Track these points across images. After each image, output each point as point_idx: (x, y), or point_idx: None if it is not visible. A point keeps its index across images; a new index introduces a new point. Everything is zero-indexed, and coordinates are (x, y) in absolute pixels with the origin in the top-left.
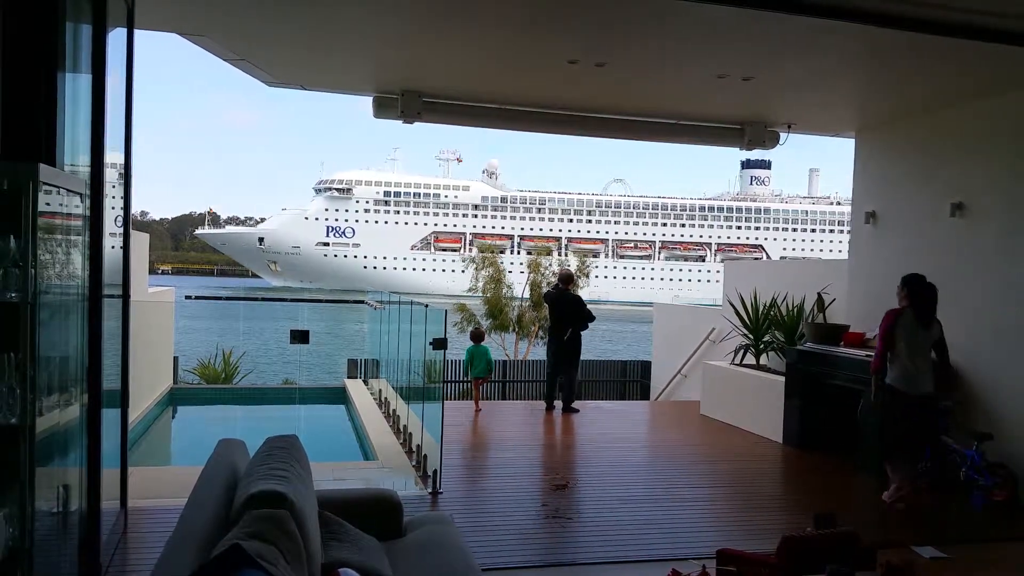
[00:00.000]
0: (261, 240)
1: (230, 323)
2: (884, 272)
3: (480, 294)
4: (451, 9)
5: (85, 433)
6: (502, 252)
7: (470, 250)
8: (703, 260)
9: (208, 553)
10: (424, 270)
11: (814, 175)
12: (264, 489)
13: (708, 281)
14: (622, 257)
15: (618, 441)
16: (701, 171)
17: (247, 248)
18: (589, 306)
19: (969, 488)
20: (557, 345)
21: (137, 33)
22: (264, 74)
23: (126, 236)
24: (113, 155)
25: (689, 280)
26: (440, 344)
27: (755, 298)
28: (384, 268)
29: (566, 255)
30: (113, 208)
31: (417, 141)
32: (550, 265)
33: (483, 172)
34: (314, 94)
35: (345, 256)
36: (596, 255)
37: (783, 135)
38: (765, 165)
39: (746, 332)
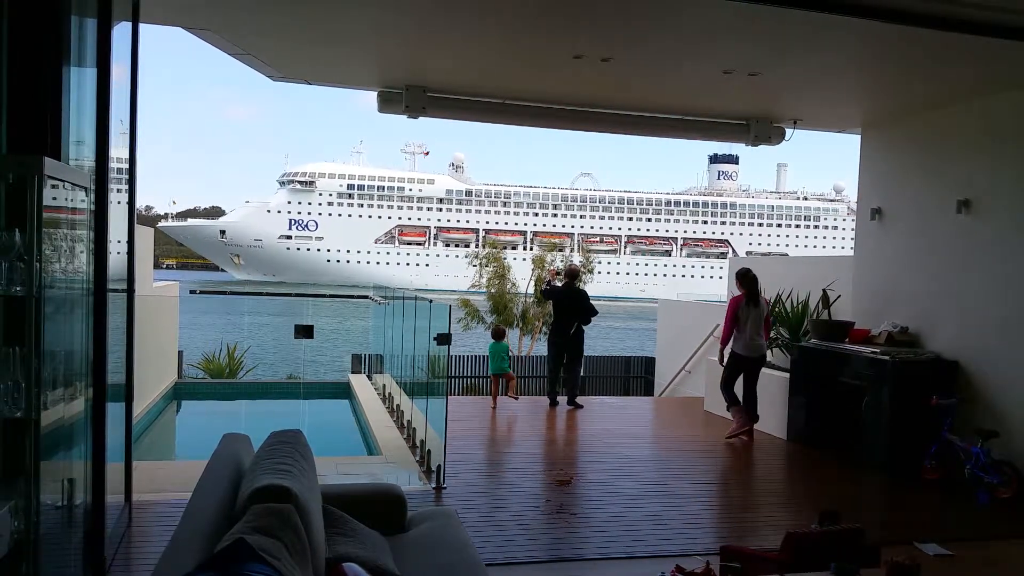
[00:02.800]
0: (223, 233)
1: (235, 318)
2: (890, 268)
3: (484, 290)
4: (456, 4)
5: (90, 427)
6: (467, 246)
7: (435, 244)
8: (669, 255)
9: (213, 547)
10: (388, 264)
11: (782, 170)
12: (268, 484)
13: (674, 276)
14: (588, 251)
15: (622, 437)
16: (671, 165)
17: (209, 241)
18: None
19: (974, 485)
20: (563, 340)
21: (140, 27)
22: (268, 68)
23: (130, 230)
24: (118, 149)
25: (655, 275)
26: (444, 339)
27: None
28: (348, 261)
29: (531, 249)
30: (118, 202)
31: (383, 134)
32: (554, 260)
33: (449, 165)
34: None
35: (308, 249)
36: (561, 249)
37: (789, 131)
38: (733, 160)
39: None
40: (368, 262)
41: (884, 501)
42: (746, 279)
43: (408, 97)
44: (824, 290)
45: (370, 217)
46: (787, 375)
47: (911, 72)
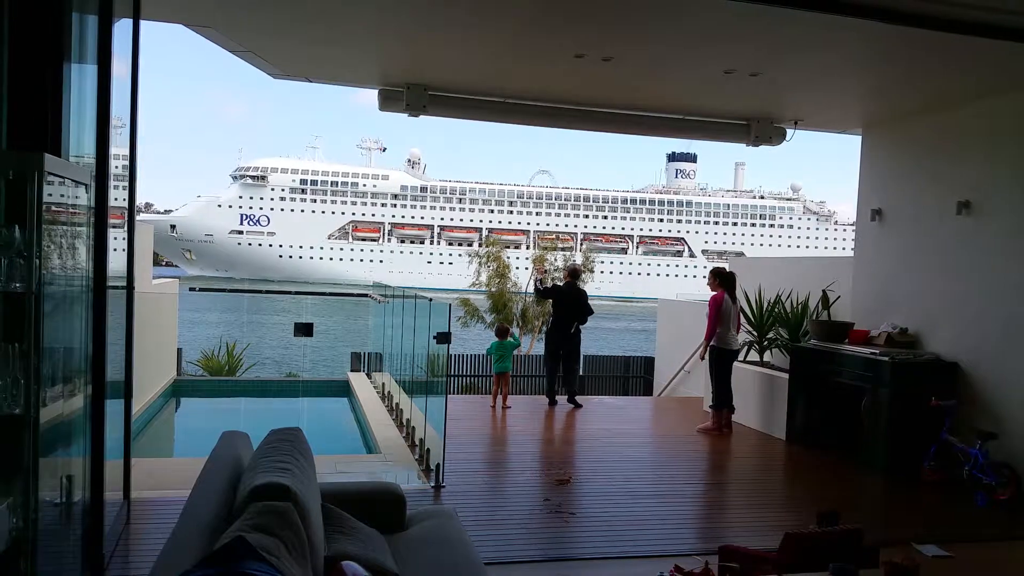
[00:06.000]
0: (173, 227)
1: (234, 315)
2: (889, 270)
3: (484, 288)
4: (457, 2)
5: (89, 424)
6: (422, 242)
7: (389, 240)
8: (625, 252)
9: (212, 545)
10: (341, 259)
11: (739, 169)
12: (268, 482)
13: (629, 274)
14: (544, 248)
15: (621, 436)
16: (631, 163)
17: (160, 236)
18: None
19: (973, 487)
20: (563, 338)
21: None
22: (269, 66)
23: (130, 227)
24: (118, 147)
25: (610, 272)
26: (444, 338)
27: (759, 295)
28: (300, 257)
29: (488, 246)
30: (118, 199)
31: (340, 130)
32: (555, 260)
33: (406, 161)
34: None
35: (260, 244)
36: (517, 246)
37: (790, 131)
38: (691, 158)
39: (750, 329)
40: (321, 258)
41: (883, 502)
42: (728, 278)
43: (409, 96)
44: (824, 291)
45: (323, 213)
46: (786, 376)
47: (912, 73)
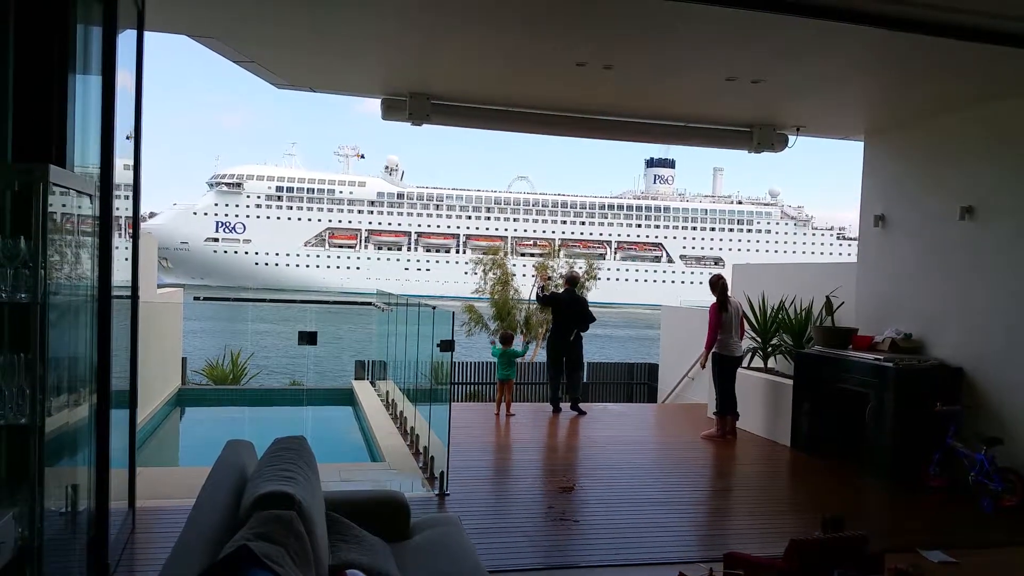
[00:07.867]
0: (148, 235)
1: (239, 324)
2: (893, 275)
3: (488, 296)
4: (458, 12)
5: (94, 433)
6: (399, 249)
7: (366, 247)
8: (603, 258)
9: (216, 553)
10: (318, 267)
11: (718, 174)
12: (272, 490)
13: (608, 279)
14: (522, 255)
15: (625, 443)
16: (610, 169)
17: None
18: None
19: (978, 493)
20: (564, 346)
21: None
22: (273, 76)
23: (135, 237)
24: (122, 157)
25: (587, 278)
26: (447, 346)
27: (763, 301)
28: (276, 264)
29: (465, 252)
30: (119, 208)
31: (319, 137)
32: (557, 268)
33: (385, 168)
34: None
35: (236, 252)
36: (495, 252)
37: (792, 138)
38: (669, 164)
39: (754, 335)
40: (297, 265)
41: (888, 508)
42: (717, 286)
43: (412, 105)
44: (828, 296)
45: (299, 220)
46: (791, 382)
47: (914, 79)
